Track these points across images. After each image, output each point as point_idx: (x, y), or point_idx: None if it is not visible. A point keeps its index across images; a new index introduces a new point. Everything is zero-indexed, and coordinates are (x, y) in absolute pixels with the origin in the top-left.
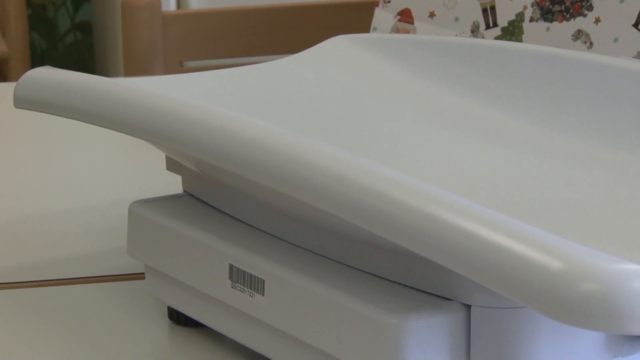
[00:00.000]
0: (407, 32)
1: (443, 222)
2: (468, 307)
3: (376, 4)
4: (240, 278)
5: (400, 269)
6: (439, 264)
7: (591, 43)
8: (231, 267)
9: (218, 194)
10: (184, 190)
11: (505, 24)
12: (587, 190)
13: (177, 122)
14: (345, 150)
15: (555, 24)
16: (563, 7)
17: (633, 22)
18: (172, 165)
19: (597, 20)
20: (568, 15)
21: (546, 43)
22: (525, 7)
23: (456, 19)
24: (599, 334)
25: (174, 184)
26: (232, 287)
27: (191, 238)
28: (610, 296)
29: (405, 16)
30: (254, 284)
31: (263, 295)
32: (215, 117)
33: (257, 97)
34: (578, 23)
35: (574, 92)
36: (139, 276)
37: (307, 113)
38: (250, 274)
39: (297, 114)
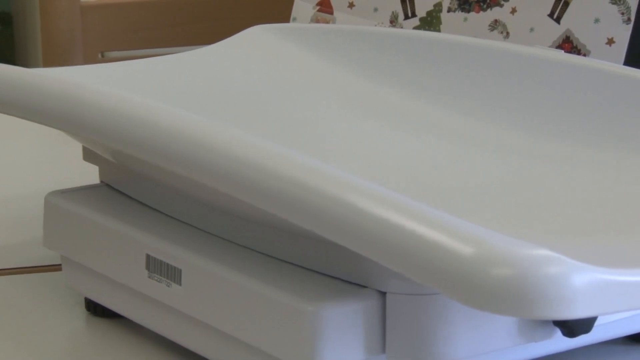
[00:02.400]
0: (327, 22)
1: (355, 208)
2: (383, 294)
3: None
4: (157, 268)
5: (316, 257)
6: (353, 251)
7: (508, 33)
8: (148, 257)
9: (135, 184)
10: (101, 181)
11: (424, 15)
12: (505, 177)
13: (92, 111)
14: (261, 138)
15: (473, 14)
16: None
17: (548, 12)
18: (89, 155)
19: (514, 11)
20: (485, 6)
21: (464, 33)
22: None
23: (375, 9)
24: (513, 319)
25: (91, 175)
26: (150, 277)
27: (108, 228)
28: (522, 281)
29: (325, 6)
30: (171, 274)
31: (180, 284)
32: (130, 105)
33: (175, 87)
34: (495, 13)
35: (491, 81)
36: (56, 267)
37: (225, 102)
38: (167, 264)
39: (215, 104)
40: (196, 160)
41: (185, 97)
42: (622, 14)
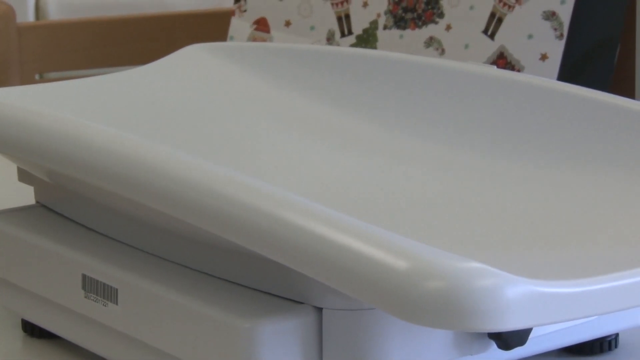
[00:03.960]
0: (264, 40)
1: (289, 225)
2: (320, 309)
3: (232, 14)
4: (94, 287)
5: (252, 273)
6: (288, 267)
7: (443, 49)
8: (84, 276)
9: (70, 204)
10: (37, 202)
11: (360, 32)
12: (438, 192)
13: (26, 131)
14: (195, 156)
15: (408, 31)
16: (415, 14)
17: (482, 28)
18: (24, 176)
19: (448, 27)
20: (420, 23)
21: (400, 50)
22: (378, 15)
23: (312, 28)
24: (448, 332)
25: (26, 196)
26: (86, 297)
27: (44, 249)
28: (454, 294)
29: (262, 25)
30: (107, 293)
31: (117, 304)
32: (64, 125)
33: (111, 107)
34: (430, 30)
35: (426, 97)
36: None
37: (161, 121)
38: (104, 283)
39: (151, 123)
40: (129, 178)
41: (122, 117)
42: (555, 29)
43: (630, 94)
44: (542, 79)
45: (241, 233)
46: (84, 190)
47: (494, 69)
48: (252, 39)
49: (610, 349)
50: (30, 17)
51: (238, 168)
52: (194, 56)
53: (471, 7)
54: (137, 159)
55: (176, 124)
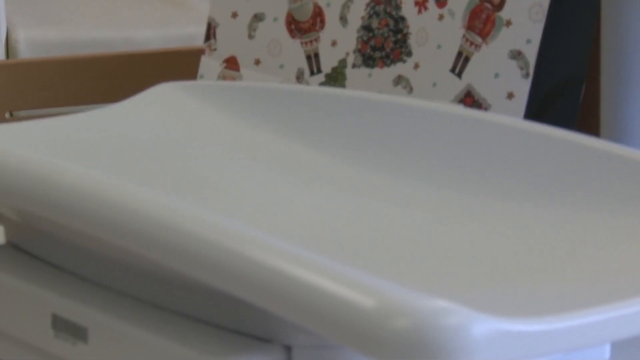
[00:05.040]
0: (234, 79)
1: (257, 263)
2: (289, 348)
3: (202, 52)
4: (64, 327)
5: (221, 311)
6: (257, 306)
7: (411, 88)
8: (54, 316)
9: (41, 243)
10: (7, 241)
11: (329, 71)
12: (405, 228)
13: None
14: (164, 194)
15: (377, 69)
16: (384, 53)
17: (450, 67)
18: None
19: (416, 66)
20: (388, 62)
21: (368, 88)
22: (347, 54)
23: (281, 66)
24: None
25: None
26: (56, 337)
27: (14, 288)
28: (421, 332)
29: (232, 63)
30: (77, 332)
31: (86, 343)
32: (34, 164)
33: (81, 146)
34: (398, 69)
35: (393, 135)
36: None
37: (131, 160)
38: (74, 323)
39: (121, 162)
40: (98, 217)
41: (92, 156)
42: (521, 68)
43: (596, 132)
44: (508, 118)
45: (209, 271)
46: (55, 230)
47: (461, 107)
48: (222, 77)
49: None
50: (0, 56)
51: (207, 206)
52: (164, 95)
53: (438, 46)
54: (106, 198)
55: (146, 163)
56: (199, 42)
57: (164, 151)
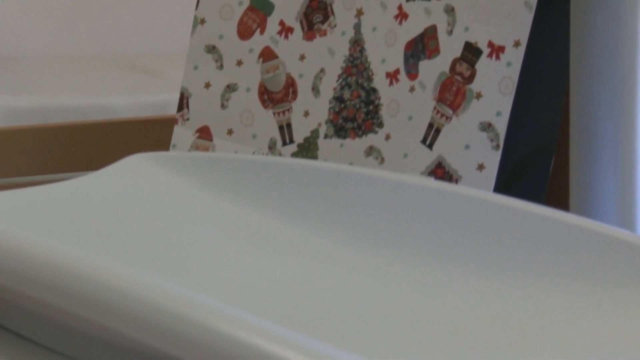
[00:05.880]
0: (206, 148)
1: (224, 337)
2: None
3: (175, 121)
4: None
5: None
6: None
7: (382, 159)
8: None
9: (15, 319)
10: None
11: (301, 141)
12: (378, 303)
13: None
14: (129, 266)
15: (349, 140)
16: (355, 124)
17: (421, 138)
18: None
19: (388, 137)
20: (360, 132)
21: (340, 158)
22: (319, 125)
23: (254, 136)
24: None
25: None
26: None
27: None
28: None
29: (204, 133)
30: None
31: None
32: (3, 237)
33: (51, 218)
34: (370, 139)
35: (364, 207)
36: None
37: (102, 232)
38: None
39: (92, 234)
40: (63, 289)
41: (64, 228)
42: (492, 140)
43: (565, 204)
44: (478, 191)
45: (170, 343)
46: (22, 302)
47: (431, 180)
48: (195, 147)
49: None
50: None
51: (176, 278)
52: (136, 166)
53: (410, 118)
54: (73, 270)
55: (117, 236)
56: (170, 109)
57: (136, 224)
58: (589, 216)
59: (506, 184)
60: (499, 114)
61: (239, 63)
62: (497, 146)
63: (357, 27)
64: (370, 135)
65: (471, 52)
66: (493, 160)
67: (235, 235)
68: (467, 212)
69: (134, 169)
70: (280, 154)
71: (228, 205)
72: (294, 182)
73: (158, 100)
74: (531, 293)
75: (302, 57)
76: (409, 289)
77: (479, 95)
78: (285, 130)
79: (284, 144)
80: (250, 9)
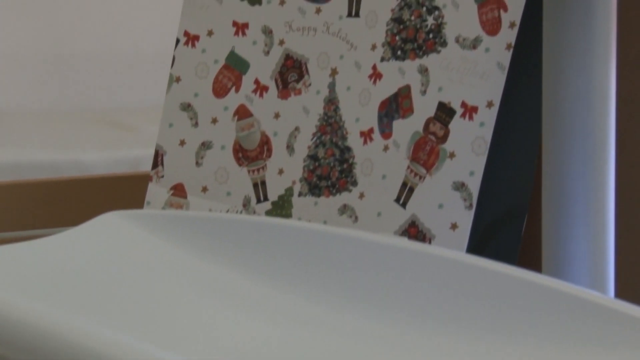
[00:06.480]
0: (181, 206)
1: None
2: None
3: (150, 179)
4: None
5: None
6: None
7: (356, 217)
8: None
9: None
10: None
11: (276, 199)
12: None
13: None
14: (109, 329)
15: (323, 198)
16: (329, 182)
17: (395, 197)
18: None
19: (362, 196)
20: (334, 191)
21: (314, 217)
22: (294, 182)
23: (228, 194)
24: None
25: None
26: None
27: None
28: None
29: (179, 191)
30: None
31: None
32: None
33: (27, 276)
34: (344, 198)
35: (339, 267)
36: None
37: (75, 290)
38: None
39: (65, 291)
40: (35, 348)
41: (37, 286)
42: (465, 199)
43: (538, 262)
44: (451, 251)
45: None
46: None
47: (404, 240)
48: (169, 204)
49: None
50: None
51: (148, 335)
52: (110, 224)
53: (383, 177)
54: (47, 331)
55: (90, 292)
56: (145, 164)
57: (110, 281)
58: (561, 276)
59: (480, 243)
60: (472, 173)
61: (214, 121)
62: (470, 206)
63: (332, 86)
64: (344, 194)
65: (445, 112)
66: (466, 219)
67: (208, 292)
68: (440, 273)
69: (109, 227)
70: (254, 212)
71: (202, 263)
72: (267, 241)
73: (132, 155)
74: (503, 353)
75: (276, 116)
76: (380, 347)
77: (452, 155)
78: (260, 188)
79: (259, 201)
80: (226, 67)
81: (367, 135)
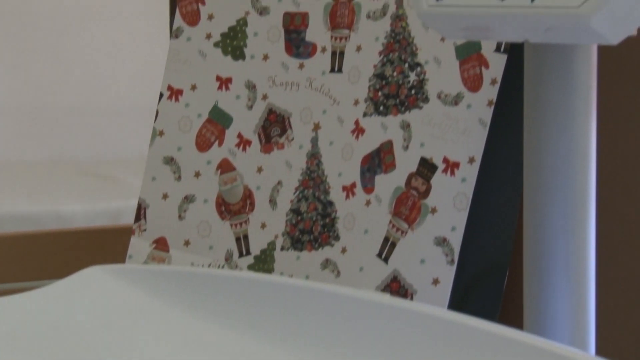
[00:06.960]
0: (163, 260)
1: None
2: None
3: (132, 232)
4: None
5: None
6: None
7: (338, 272)
8: None
9: None
10: None
11: (258, 253)
12: None
13: None
14: None
15: (305, 252)
16: (312, 237)
17: (377, 252)
18: None
19: (344, 250)
20: (317, 245)
21: (297, 271)
22: (276, 237)
23: (210, 247)
24: None
25: None
26: None
27: None
28: None
29: (161, 244)
30: None
31: None
32: None
33: (9, 331)
34: (326, 252)
35: (321, 323)
36: None
37: (57, 344)
38: None
39: (47, 347)
40: None
41: (14, 344)
42: (446, 255)
43: (519, 318)
44: (432, 307)
45: None
46: None
47: (386, 296)
48: (151, 258)
49: None
50: None
51: None
52: (92, 279)
53: (366, 231)
54: None
55: (71, 347)
56: (126, 216)
57: (92, 338)
58: (542, 330)
59: (461, 300)
60: (453, 229)
61: (197, 175)
62: (452, 261)
63: (315, 141)
64: (327, 248)
65: (427, 168)
66: (448, 274)
67: (191, 347)
68: (421, 329)
69: (91, 282)
70: (237, 266)
71: (184, 318)
72: (249, 296)
73: (113, 206)
74: None
75: (259, 170)
76: None
77: (434, 210)
78: (242, 241)
79: (241, 255)
80: (209, 121)
81: (349, 190)
